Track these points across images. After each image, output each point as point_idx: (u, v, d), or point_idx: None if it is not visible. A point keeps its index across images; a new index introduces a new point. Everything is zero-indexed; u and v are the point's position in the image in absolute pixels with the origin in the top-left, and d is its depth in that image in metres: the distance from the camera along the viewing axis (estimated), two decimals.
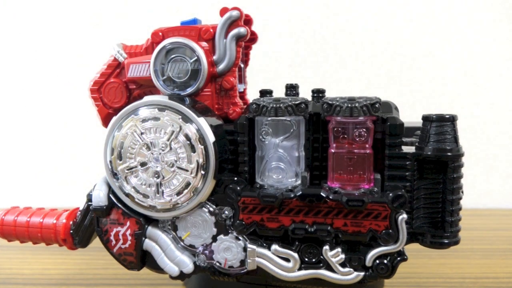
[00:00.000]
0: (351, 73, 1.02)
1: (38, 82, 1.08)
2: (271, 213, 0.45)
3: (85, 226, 0.51)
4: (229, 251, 0.47)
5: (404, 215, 0.42)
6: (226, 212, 0.46)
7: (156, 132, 0.44)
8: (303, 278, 0.46)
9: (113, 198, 0.48)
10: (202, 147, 0.43)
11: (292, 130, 0.44)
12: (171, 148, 0.44)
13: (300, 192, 0.43)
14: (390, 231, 0.42)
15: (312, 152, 0.46)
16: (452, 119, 0.42)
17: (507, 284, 0.60)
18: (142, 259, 0.50)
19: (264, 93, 0.60)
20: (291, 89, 0.62)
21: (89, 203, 0.50)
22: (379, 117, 0.43)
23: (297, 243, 0.45)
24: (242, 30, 0.46)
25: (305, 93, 0.59)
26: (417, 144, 0.43)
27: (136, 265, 0.50)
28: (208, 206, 0.47)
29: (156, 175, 0.45)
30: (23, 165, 1.11)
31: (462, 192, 0.44)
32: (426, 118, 0.43)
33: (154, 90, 0.48)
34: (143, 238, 0.49)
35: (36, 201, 0.84)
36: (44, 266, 0.69)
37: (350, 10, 1.01)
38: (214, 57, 0.46)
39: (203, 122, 0.44)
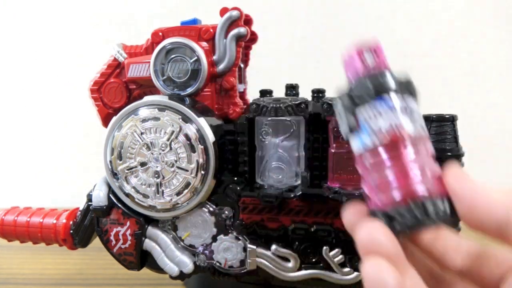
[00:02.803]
0: None
1: (38, 82, 1.08)
2: (271, 213, 0.45)
3: (85, 226, 0.51)
4: (229, 251, 0.47)
5: None
6: (226, 212, 0.46)
7: (156, 132, 0.44)
8: (303, 278, 0.46)
9: (113, 198, 0.48)
10: (202, 147, 0.43)
11: (292, 130, 0.44)
12: (171, 148, 0.44)
13: (300, 192, 0.43)
14: None
15: (312, 152, 0.46)
16: (452, 119, 0.42)
17: None
18: (142, 259, 0.50)
19: (264, 93, 0.60)
20: (291, 89, 0.62)
21: (89, 203, 0.50)
22: None
23: (297, 243, 0.45)
24: (242, 30, 0.46)
25: (305, 93, 0.59)
26: None
27: (136, 265, 0.50)
28: (208, 206, 0.47)
29: (156, 175, 0.45)
30: (23, 165, 1.11)
31: None
32: (426, 118, 0.42)
33: (154, 90, 0.48)
34: (143, 238, 0.49)
35: (36, 201, 0.83)
36: (44, 266, 0.69)
37: (350, 10, 1.01)
38: (214, 57, 0.46)
39: (203, 122, 0.44)
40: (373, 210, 0.27)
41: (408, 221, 0.25)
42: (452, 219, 0.26)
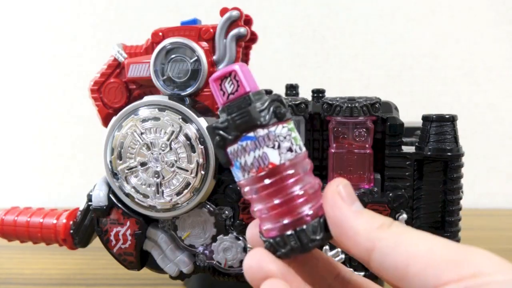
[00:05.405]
0: (351, 73, 1.02)
1: (38, 82, 1.08)
2: None
3: (85, 226, 0.51)
4: (229, 251, 0.47)
5: (404, 215, 0.42)
6: (226, 212, 0.46)
7: (156, 132, 0.44)
8: None
9: (113, 198, 0.48)
10: (202, 147, 0.43)
11: None
12: (171, 148, 0.44)
13: None
14: None
15: (312, 152, 0.46)
16: (452, 119, 0.42)
17: None
18: (142, 259, 0.50)
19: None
20: (291, 89, 0.62)
21: (89, 203, 0.50)
22: (379, 117, 0.43)
23: None
24: (242, 30, 0.46)
25: (305, 93, 0.59)
26: (417, 144, 0.43)
27: (136, 265, 0.50)
28: (208, 206, 0.47)
29: (156, 175, 0.45)
30: (23, 165, 1.11)
31: (462, 192, 0.44)
32: (426, 118, 0.43)
33: (154, 90, 0.48)
34: (143, 238, 0.49)
35: (36, 201, 0.83)
36: (44, 266, 0.69)
37: (350, 10, 1.01)
38: (214, 57, 0.46)
39: (203, 122, 0.44)
40: (261, 234, 0.30)
41: (286, 249, 0.28)
42: (327, 234, 0.28)
